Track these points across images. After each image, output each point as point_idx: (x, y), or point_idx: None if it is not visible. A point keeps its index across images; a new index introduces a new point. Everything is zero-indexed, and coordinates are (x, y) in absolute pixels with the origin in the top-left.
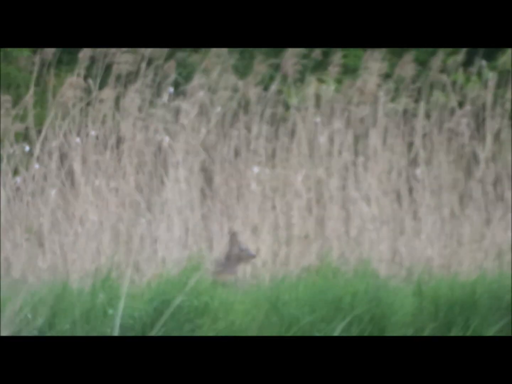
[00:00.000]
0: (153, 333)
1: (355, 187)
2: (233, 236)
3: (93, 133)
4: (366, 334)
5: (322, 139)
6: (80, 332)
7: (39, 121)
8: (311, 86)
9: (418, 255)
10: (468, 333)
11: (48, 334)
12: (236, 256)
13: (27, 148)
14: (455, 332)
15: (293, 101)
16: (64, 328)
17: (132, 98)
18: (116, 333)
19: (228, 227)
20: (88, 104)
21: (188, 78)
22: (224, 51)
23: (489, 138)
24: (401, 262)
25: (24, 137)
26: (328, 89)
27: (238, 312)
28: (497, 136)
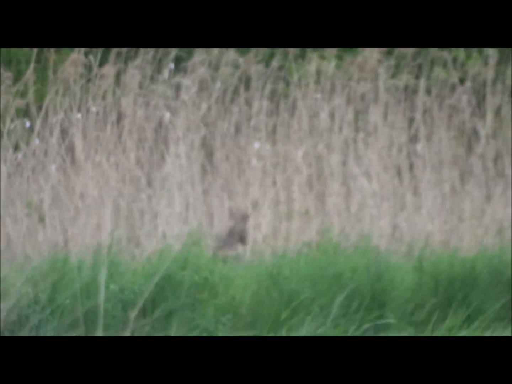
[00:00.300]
0: (154, 308)
1: (355, 163)
2: (237, 210)
3: (93, 109)
4: (366, 309)
5: (323, 115)
6: (80, 307)
7: (40, 98)
8: (312, 62)
9: (419, 231)
10: (469, 309)
11: (49, 308)
12: (237, 231)
13: (27, 124)
14: (454, 307)
15: (294, 77)
16: (64, 303)
17: (133, 74)
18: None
19: (231, 204)
20: (89, 80)
21: (188, 54)
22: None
23: (489, 115)
24: (401, 238)
25: (24, 113)
26: (329, 66)
27: (238, 287)
28: (497, 112)
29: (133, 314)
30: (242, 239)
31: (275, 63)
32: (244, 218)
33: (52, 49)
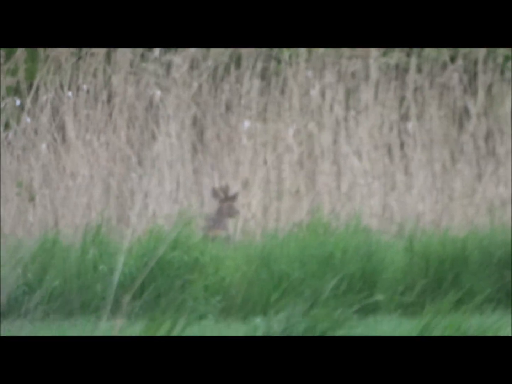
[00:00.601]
0: (144, 289)
1: (346, 141)
2: (221, 192)
3: (84, 87)
4: (356, 290)
5: (314, 93)
6: (69, 287)
7: (31, 76)
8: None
9: (409, 210)
10: (459, 289)
11: (38, 290)
12: (225, 210)
13: (18, 102)
14: (445, 287)
15: (285, 55)
16: (54, 284)
17: (124, 52)
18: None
19: (219, 182)
20: (79, 58)
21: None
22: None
23: (480, 93)
24: (392, 218)
25: (15, 91)
26: None
27: (228, 267)
28: (489, 90)
29: (122, 295)
30: (231, 214)
31: None
32: (231, 196)
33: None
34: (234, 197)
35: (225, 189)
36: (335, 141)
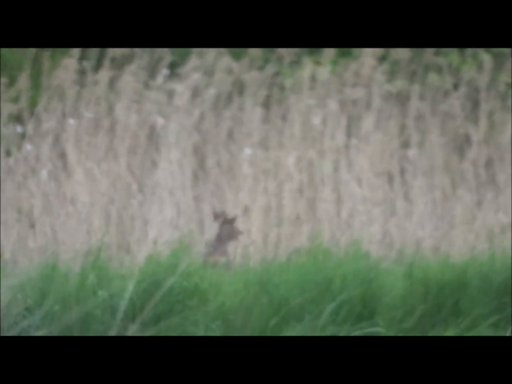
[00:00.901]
0: (143, 315)
1: (347, 169)
2: (221, 216)
3: (87, 115)
4: (356, 315)
5: (316, 121)
6: (69, 312)
7: (33, 103)
8: (306, 68)
9: (409, 237)
10: (458, 316)
11: (37, 314)
12: (225, 234)
13: (20, 129)
14: (444, 313)
15: (288, 82)
16: (53, 309)
17: (127, 80)
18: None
19: (218, 209)
20: (82, 86)
21: (183, 60)
22: None
23: (482, 120)
24: (392, 244)
25: (17, 118)
26: (324, 71)
27: (228, 293)
28: (490, 118)
29: (122, 320)
30: (233, 235)
31: (269, 68)
32: (230, 220)
33: (45, 54)
34: (233, 220)
35: (224, 213)
36: (335, 169)
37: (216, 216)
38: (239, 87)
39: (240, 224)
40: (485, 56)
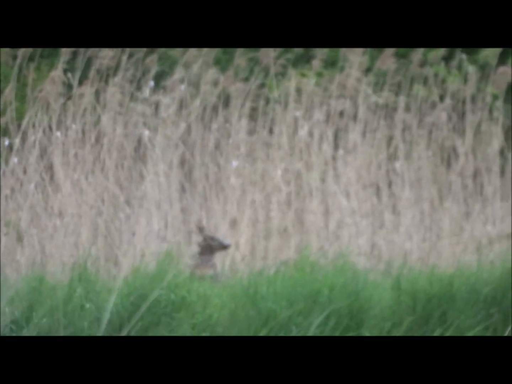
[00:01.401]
0: (130, 327)
1: (334, 181)
2: (201, 229)
3: (73, 127)
4: (343, 327)
5: (302, 133)
6: (57, 325)
7: (19, 116)
8: (292, 80)
9: (397, 249)
10: (446, 327)
11: (25, 327)
12: (208, 247)
13: (6, 142)
14: (432, 325)
15: (275, 94)
16: (41, 322)
17: (113, 92)
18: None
19: (199, 223)
20: (68, 98)
21: (169, 72)
22: None
23: (469, 132)
24: (379, 256)
25: (3, 131)
26: (309, 83)
27: (215, 306)
28: (477, 130)
29: (109, 333)
30: (213, 249)
31: (254, 80)
32: (202, 230)
33: (32, 67)
34: (212, 237)
35: (203, 229)
36: (323, 180)
37: (199, 229)
38: (225, 99)
39: (224, 238)
40: (471, 67)
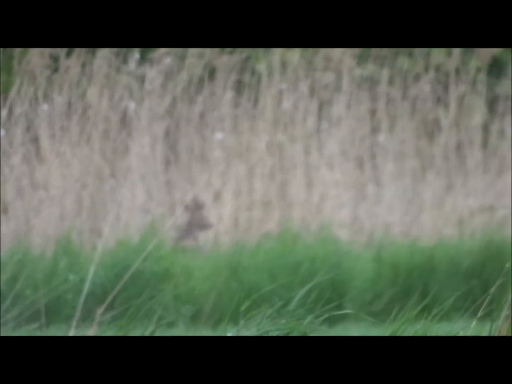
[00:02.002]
0: (112, 298)
1: (318, 153)
2: (195, 204)
3: (59, 100)
4: (325, 300)
5: (287, 105)
6: (40, 297)
7: (6, 88)
8: (277, 52)
9: (379, 221)
10: (427, 299)
11: (9, 298)
12: (197, 224)
13: None
14: (413, 296)
15: (260, 67)
16: (25, 293)
17: (99, 65)
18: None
19: (191, 194)
20: (55, 70)
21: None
22: None
23: (452, 105)
24: (362, 228)
25: None
26: (294, 56)
27: (198, 277)
28: (460, 103)
29: (92, 304)
30: (203, 226)
31: (240, 53)
32: (201, 207)
33: None
34: (202, 207)
35: (195, 200)
36: (307, 153)
37: (188, 207)
38: (211, 72)
39: (211, 209)
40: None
